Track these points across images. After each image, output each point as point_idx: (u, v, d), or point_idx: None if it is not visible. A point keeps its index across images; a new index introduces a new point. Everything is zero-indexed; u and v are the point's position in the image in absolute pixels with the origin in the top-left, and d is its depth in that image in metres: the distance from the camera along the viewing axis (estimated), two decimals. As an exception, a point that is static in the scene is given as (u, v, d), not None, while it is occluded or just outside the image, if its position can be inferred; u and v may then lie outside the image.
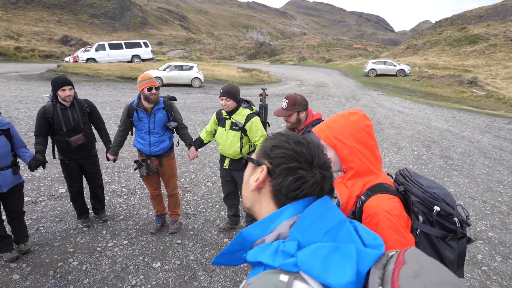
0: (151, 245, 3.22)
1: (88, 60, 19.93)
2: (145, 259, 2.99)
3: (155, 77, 15.64)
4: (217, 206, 4.10)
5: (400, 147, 7.33)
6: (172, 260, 3.01)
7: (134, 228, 3.51)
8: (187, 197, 4.34)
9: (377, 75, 24.52)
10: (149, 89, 2.88)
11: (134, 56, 21.50)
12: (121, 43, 21.36)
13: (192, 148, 3.23)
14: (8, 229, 2.90)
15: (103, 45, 20.76)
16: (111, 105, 10.15)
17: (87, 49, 21.34)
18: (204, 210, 4.01)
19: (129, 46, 21.48)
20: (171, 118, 3.12)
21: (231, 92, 2.85)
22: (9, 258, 2.79)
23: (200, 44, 74.73)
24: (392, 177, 1.31)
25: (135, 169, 3.20)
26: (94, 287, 2.59)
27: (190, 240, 3.36)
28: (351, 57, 51.12)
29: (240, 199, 3.38)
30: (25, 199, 3.94)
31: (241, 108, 2.94)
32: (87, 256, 2.97)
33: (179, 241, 3.32)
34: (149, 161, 3.12)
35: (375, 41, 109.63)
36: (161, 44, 68.07)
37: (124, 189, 4.40)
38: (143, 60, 22.02)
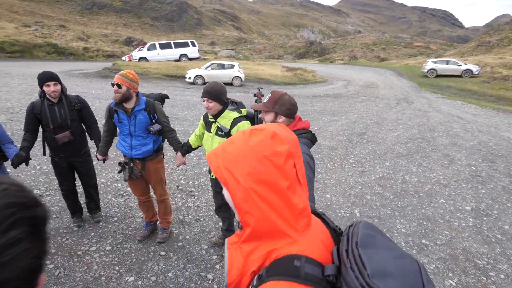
0: (132, 254, 2.98)
1: (140, 59, 21.23)
2: (121, 270, 2.75)
3: (196, 75, 16.04)
4: (217, 216, 3.74)
5: (453, 160, 6.20)
6: (148, 275, 2.72)
7: (123, 232, 3.32)
8: (189, 202, 4.06)
9: (438, 76, 21.95)
10: (113, 85, 2.59)
11: (182, 55, 22.32)
12: (170, 43, 22.35)
13: (179, 154, 2.91)
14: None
15: (154, 45, 21.93)
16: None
17: (141, 48, 22.76)
18: (202, 219, 3.67)
19: (177, 45, 22.37)
20: (154, 121, 2.83)
21: (212, 92, 2.45)
22: None
23: (250, 43, 75.70)
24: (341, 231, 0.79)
25: (118, 172, 2.99)
26: (57, 297, 2.41)
27: (175, 253, 3.04)
28: (410, 56, 46.98)
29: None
30: (35, 191, 4.03)
31: (227, 111, 2.51)
32: (65, 259, 2.83)
33: (163, 253, 3.02)
34: (132, 164, 2.88)
35: (440, 38, 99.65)
36: (213, 44, 70.47)
37: (128, 189, 4.28)
38: (190, 59, 22.74)
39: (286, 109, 1.82)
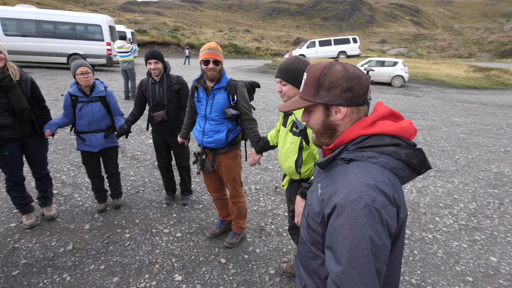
0: (194, 250, 2.72)
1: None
2: (176, 264, 2.53)
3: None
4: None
5: None
6: (195, 281, 2.36)
7: (200, 223, 3.13)
8: (280, 209, 3.47)
9: None
10: (206, 63, 2.27)
11: (340, 52, 21.37)
12: (330, 40, 21.79)
13: (252, 151, 2.35)
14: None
15: (314, 42, 22.00)
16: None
17: (301, 46, 23.43)
18: (285, 234, 3.01)
19: (337, 42, 21.55)
20: (232, 103, 2.37)
21: (288, 72, 1.74)
22: (98, 209, 3.19)
23: (431, 40, 64.55)
24: None
25: (193, 163, 2.74)
26: (114, 268, 2.44)
27: (236, 266, 2.56)
28: None
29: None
30: (145, 163, 4.53)
31: None
32: (140, 233, 2.90)
33: (224, 261, 2.60)
34: (204, 156, 2.56)
35: None
36: (384, 42, 64.59)
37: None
38: (349, 56, 21.45)
39: (344, 90, 0.89)
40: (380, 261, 0.77)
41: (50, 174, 3.08)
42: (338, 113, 0.91)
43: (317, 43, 21.71)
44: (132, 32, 18.86)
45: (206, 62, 2.25)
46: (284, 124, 1.96)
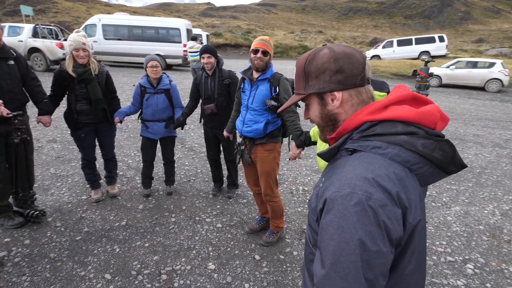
0: (231, 243, 2.74)
1: (372, 57, 20.43)
2: (211, 253, 2.58)
3: (434, 75, 13.19)
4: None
5: None
6: (227, 273, 2.36)
7: (241, 217, 3.14)
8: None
9: None
10: (255, 52, 2.27)
11: (422, 52, 19.21)
12: (410, 39, 19.73)
13: (293, 145, 2.26)
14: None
15: (392, 42, 20.24)
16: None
17: (377, 47, 21.84)
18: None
19: (419, 41, 19.40)
20: (273, 95, 2.32)
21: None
22: (143, 193, 3.45)
23: (546, 38, 53.48)
24: None
25: (234, 153, 2.75)
26: (156, 247, 2.61)
27: (270, 265, 2.48)
28: None
29: None
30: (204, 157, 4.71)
31: None
32: (185, 220, 3.05)
33: (258, 258, 2.55)
34: (243, 146, 2.56)
35: None
36: (481, 41, 55.85)
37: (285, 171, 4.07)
38: (433, 57, 19.13)
39: (333, 72, 0.77)
40: (373, 271, 0.62)
41: (120, 158, 3.47)
42: (334, 100, 0.79)
43: (395, 43, 19.96)
44: (207, 35, 20.19)
45: (256, 51, 2.28)
46: None
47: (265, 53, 2.28)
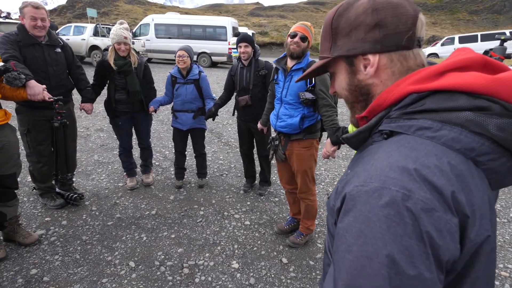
0: (258, 242, 2.58)
1: (429, 55, 18.74)
2: (237, 251, 2.45)
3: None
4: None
5: None
6: (251, 274, 2.22)
7: (271, 216, 2.97)
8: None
9: None
10: (293, 36, 2.07)
11: (486, 51, 17.08)
12: (476, 35, 17.64)
13: (327, 141, 2.02)
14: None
15: (453, 38, 18.35)
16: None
17: (434, 44, 19.98)
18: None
19: (486, 38, 17.27)
20: (309, 87, 2.09)
21: None
22: (176, 185, 3.43)
23: None
24: None
25: (268, 148, 2.57)
26: (182, 239, 2.55)
27: (298, 270, 2.28)
28: None
29: None
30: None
31: None
32: (213, 214, 2.96)
33: (285, 261, 2.36)
34: (277, 142, 2.37)
35: None
36: None
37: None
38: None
39: (370, 27, 0.55)
40: None
41: (158, 148, 3.51)
42: (367, 66, 0.57)
43: (456, 40, 18.05)
44: (253, 33, 20.28)
45: (293, 36, 2.07)
46: None
47: (303, 39, 2.07)
